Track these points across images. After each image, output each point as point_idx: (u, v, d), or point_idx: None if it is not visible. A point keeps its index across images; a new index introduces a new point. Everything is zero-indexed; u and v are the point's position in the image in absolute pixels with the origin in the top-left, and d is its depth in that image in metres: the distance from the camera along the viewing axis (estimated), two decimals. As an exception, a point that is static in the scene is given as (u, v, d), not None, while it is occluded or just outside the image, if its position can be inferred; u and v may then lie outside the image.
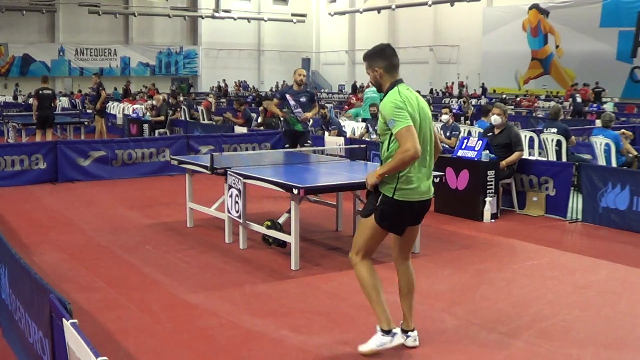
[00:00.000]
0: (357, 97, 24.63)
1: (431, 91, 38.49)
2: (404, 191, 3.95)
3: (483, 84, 36.73)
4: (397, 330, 4.22)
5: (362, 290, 4.20)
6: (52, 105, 14.25)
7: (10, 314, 4.03)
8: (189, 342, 4.36)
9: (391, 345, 4.15)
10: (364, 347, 4.14)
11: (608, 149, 9.98)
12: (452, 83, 39.47)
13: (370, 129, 12.35)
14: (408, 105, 3.92)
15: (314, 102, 9.49)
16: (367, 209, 4.15)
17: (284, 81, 46.09)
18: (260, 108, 16.04)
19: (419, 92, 4.69)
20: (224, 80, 42.12)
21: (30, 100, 20.31)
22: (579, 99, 22.82)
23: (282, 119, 9.71)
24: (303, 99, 9.08)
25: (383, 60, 4.07)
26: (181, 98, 20.84)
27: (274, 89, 43.99)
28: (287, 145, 9.66)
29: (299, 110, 9.08)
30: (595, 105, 24.32)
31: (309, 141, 9.24)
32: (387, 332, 4.12)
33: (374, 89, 14.60)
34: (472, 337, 4.50)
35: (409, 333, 4.26)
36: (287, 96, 9.12)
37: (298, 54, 49.29)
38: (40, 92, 13.84)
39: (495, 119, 8.73)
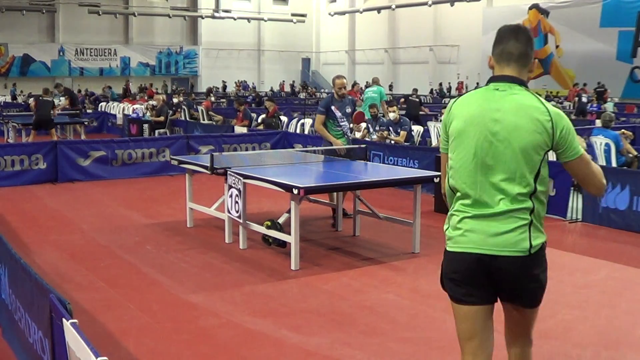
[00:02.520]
0: (352, 92, 24.31)
1: (431, 91, 38.51)
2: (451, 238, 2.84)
3: (477, 84, 36.70)
4: None
5: None
6: (52, 112, 14.43)
7: (10, 314, 4.03)
8: (189, 342, 4.36)
9: None
10: None
11: (608, 149, 9.97)
12: (450, 84, 39.50)
13: (371, 129, 12.34)
14: (453, 117, 2.84)
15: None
16: None
17: (283, 81, 46.12)
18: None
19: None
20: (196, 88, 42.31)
21: (30, 100, 20.42)
22: (584, 99, 22.80)
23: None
24: (349, 109, 8.18)
25: (495, 45, 2.95)
26: (181, 98, 20.85)
27: (274, 89, 44.08)
28: None
29: (345, 122, 8.15)
30: (595, 105, 24.32)
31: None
32: None
33: (374, 88, 14.78)
34: (472, 337, 4.49)
35: None
36: (332, 108, 8.12)
37: (298, 54, 49.31)
38: (40, 98, 14.49)
39: None
